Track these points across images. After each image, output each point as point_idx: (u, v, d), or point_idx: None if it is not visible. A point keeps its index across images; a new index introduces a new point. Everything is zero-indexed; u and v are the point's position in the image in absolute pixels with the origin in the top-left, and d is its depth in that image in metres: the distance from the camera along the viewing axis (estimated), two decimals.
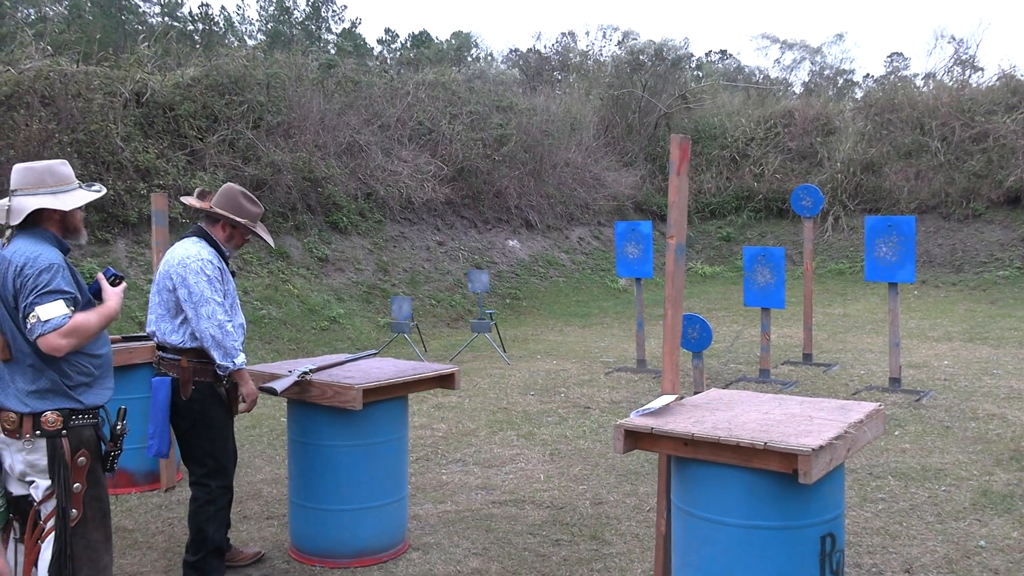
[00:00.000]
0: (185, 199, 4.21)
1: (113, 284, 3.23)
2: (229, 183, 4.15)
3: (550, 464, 6.02)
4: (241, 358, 3.89)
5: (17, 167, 3.09)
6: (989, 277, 16.17)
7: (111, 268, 3.29)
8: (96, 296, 3.17)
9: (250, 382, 4.00)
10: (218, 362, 3.84)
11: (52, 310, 2.88)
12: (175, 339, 3.87)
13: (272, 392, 4.11)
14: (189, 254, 3.88)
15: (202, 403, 3.90)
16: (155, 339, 3.97)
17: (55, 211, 3.07)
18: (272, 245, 4.44)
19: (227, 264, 4.03)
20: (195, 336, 3.84)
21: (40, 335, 2.86)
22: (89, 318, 2.99)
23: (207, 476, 3.96)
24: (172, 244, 4.14)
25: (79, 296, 3.01)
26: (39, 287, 2.89)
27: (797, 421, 3.15)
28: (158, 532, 4.84)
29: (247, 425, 7.08)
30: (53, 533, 2.96)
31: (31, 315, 2.88)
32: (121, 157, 11.57)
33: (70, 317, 2.90)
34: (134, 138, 11.95)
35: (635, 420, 3.20)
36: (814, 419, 3.18)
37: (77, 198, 3.11)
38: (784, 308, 9.04)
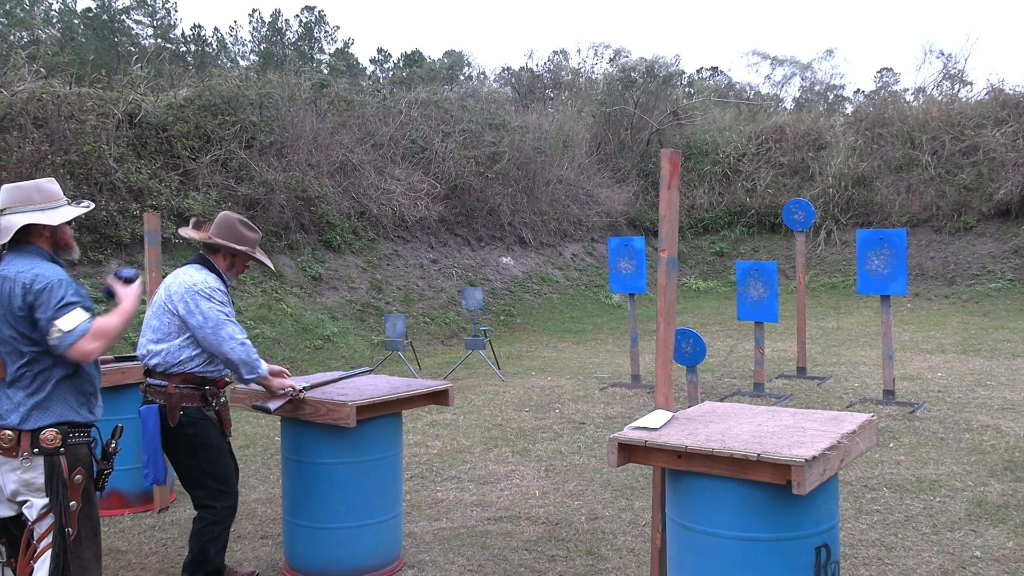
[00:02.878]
0: (183, 232, 4.22)
1: (126, 284, 3.33)
2: (225, 212, 4.16)
3: (545, 480, 6.01)
4: (264, 365, 3.97)
5: (4, 187, 3.11)
6: (981, 289, 16.23)
7: (122, 269, 3.39)
8: (110, 299, 3.28)
9: (274, 380, 4.07)
10: (244, 377, 3.92)
11: (72, 319, 2.94)
12: (155, 361, 3.87)
13: (266, 411, 4.10)
14: (196, 281, 3.90)
15: (193, 427, 3.89)
16: (143, 362, 3.96)
17: (44, 227, 3.08)
18: (272, 268, 4.45)
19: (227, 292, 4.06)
20: (179, 360, 3.85)
21: (69, 345, 2.92)
22: (110, 320, 3.06)
23: (210, 497, 3.94)
24: (165, 265, 4.15)
25: (91, 304, 3.08)
26: (53, 303, 2.93)
27: (790, 432, 3.15)
28: (151, 553, 4.81)
29: (241, 445, 7.06)
30: (48, 552, 2.94)
31: (53, 331, 2.92)
32: (114, 178, 11.58)
33: (92, 321, 2.97)
34: (127, 159, 11.97)
35: (629, 433, 3.20)
36: (807, 430, 3.19)
37: (65, 213, 3.14)
38: (777, 322, 9.05)
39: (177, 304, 3.87)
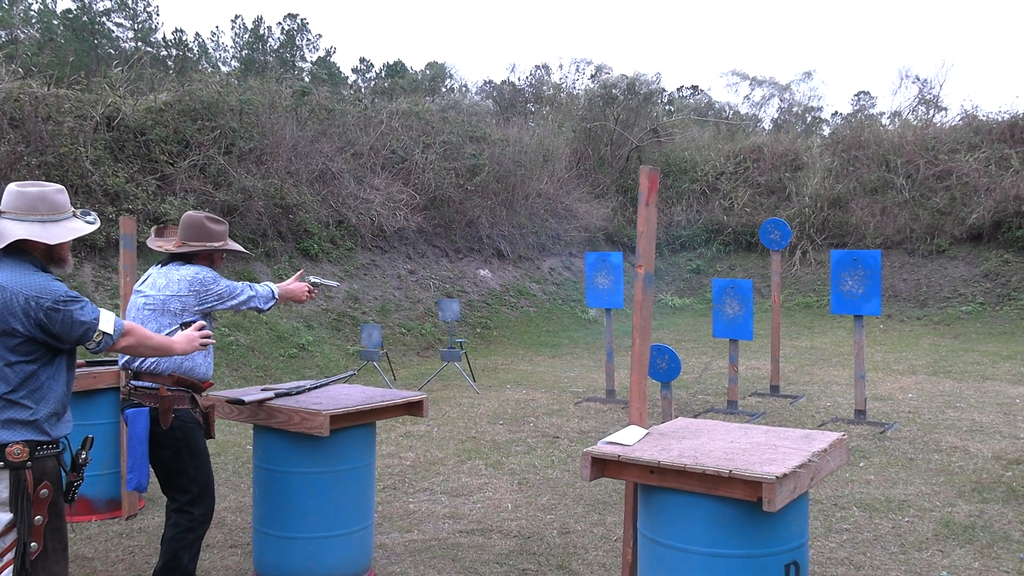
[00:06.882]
0: (153, 244, 4.13)
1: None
2: (188, 213, 4.11)
3: (518, 493, 6.01)
4: (272, 288, 4.27)
5: (10, 188, 2.99)
6: (953, 312, 16.43)
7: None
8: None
9: (290, 286, 4.39)
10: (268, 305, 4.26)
11: (106, 320, 3.01)
12: (148, 363, 3.81)
13: (239, 403, 4.10)
14: (191, 271, 3.94)
15: (183, 430, 3.85)
16: (129, 367, 3.90)
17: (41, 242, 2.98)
18: (245, 251, 4.37)
19: None
20: (174, 359, 3.82)
21: (113, 344, 3.06)
22: (148, 332, 3.27)
23: (190, 503, 3.88)
24: (140, 270, 4.11)
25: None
26: (76, 309, 2.94)
27: (762, 450, 3.18)
28: (118, 560, 4.75)
29: (212, 453, 6.98)
30: (10, 567, 2.87)
31: (94, 336, 2.98)
32: (90, 181, 11.49)
33: (121, 320, 3.11)
34: (104, 162, 11.87)
35: (602, 448, 3.20)
36: (778, 448, 3.21)
37: (66, 231, 3.02)
38: (752, 340, 9.11)
39: (186, 299, 3.87)
